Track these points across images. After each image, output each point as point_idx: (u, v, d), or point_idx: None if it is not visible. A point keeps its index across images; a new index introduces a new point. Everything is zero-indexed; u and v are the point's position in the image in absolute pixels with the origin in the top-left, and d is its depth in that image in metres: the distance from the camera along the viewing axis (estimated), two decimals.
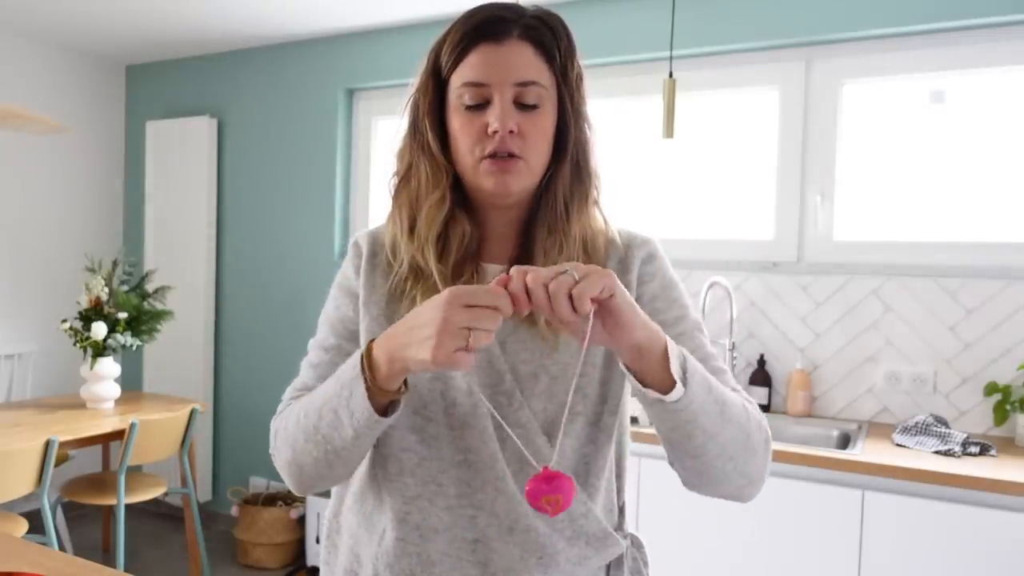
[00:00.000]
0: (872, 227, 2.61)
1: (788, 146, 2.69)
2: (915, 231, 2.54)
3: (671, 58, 2.42)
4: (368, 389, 0.82)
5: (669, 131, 2.32)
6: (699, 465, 0.88)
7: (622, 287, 0.78)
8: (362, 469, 1.02)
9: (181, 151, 3.89)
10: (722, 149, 2.83)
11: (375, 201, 3.57)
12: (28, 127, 2.92)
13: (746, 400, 0.94)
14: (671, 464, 0.94)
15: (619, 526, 1.03)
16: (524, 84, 0.91)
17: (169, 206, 3.95)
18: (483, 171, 0.92)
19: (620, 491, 1.05)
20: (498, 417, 0.88)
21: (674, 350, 0.81)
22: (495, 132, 0.90)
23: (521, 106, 0.91)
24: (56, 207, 3.91)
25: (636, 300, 0.97)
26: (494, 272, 0.99)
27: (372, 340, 0.84)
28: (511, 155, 0.91)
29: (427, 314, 0.77)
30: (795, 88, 2.68)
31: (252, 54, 3.77)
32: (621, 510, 1.05)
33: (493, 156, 0.91)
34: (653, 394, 0.81)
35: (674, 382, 0.80)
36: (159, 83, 4.08)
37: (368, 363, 0.83)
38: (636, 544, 1.06)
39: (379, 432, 0.87)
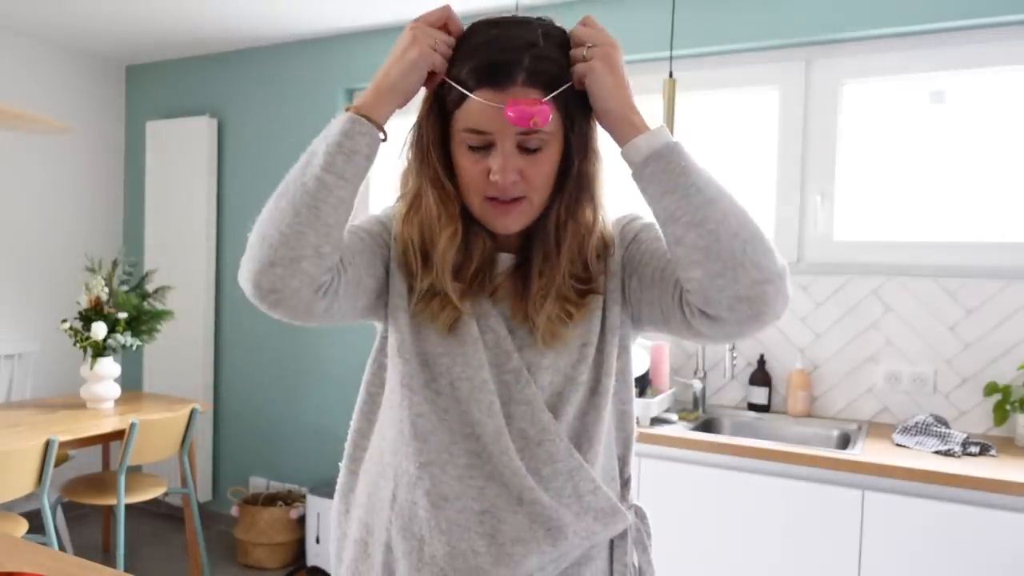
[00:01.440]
0: (872, 227, 2.61)
1: (788, 146, 2.69)
2: (915, 231, 2.54)
3: (671, 58, 2.42)
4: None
5: (669, 131, 2.31)
6: (704, 241, 0.84)
7: (614, 66, 0.91)
8: (378, 440, 1.03)
9: (181, 151, 3.89)
10: (722, 149, 2.83)
11: (375, 201, 3.57)
12: (28, 127, 2.92)
13: None
14: (679, 270, 0.89)
15: (623, 497, 1.05)
16: (528, 133, 0.91)
17: (169, 206, 3.95)
18: (487, 212, 0.95)
19: (626, 463, 1.06)
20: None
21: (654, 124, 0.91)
22: (497, 180, 0.91)
23: (525, 149, 0.92)
24: (56, 207, 3.91)
25: (624, 251, 1.02)
26: (505, 261, 1.02)
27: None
28: (514, 199, 0.93)
29: (398, 44, 0.93)
30: (795, 88, 2.68)
31: (252, 54, 3.77)
32: (626, 483, 1.06)
33: (495, 199, 0.94)
34: (639, 140, 0.90)
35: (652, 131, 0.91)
36: (159, 83, 4.08)
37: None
38: (640, 515, 1.08)
39: (358, 163, 0.90)
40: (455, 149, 0.95)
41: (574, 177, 0.96)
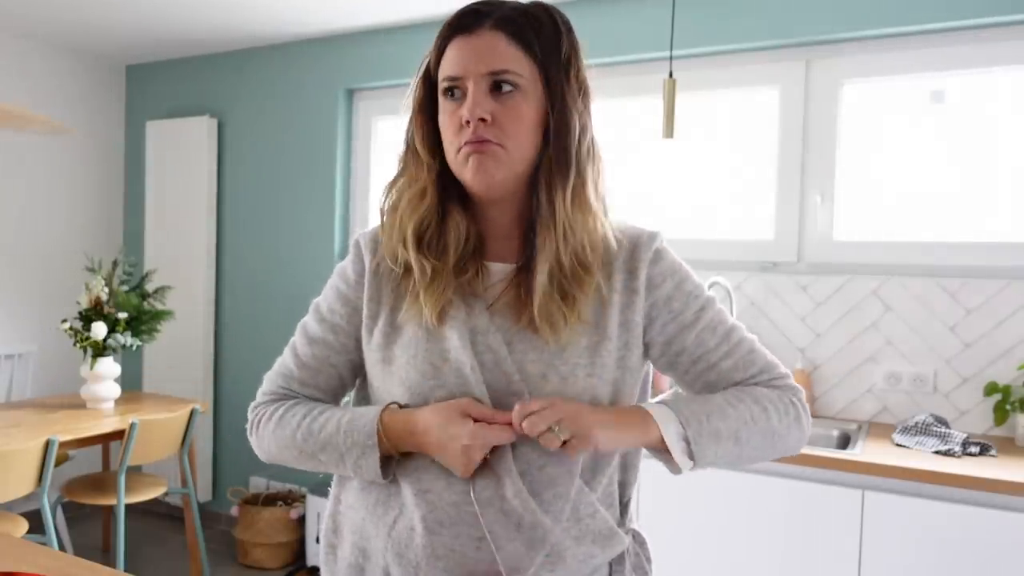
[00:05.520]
0: (872, 227, 2.60)
1: (788, 146, 2.69)
2: (915, 231, 2.54)
3: (671, 58, 2.42)
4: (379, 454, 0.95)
5: (669, 131, 2.32)
6: (734, 467, 1.03)
7: (596, 437, 0.89)
8: None
9: (181, 151, 3.89)
10: (722, 149, 2.83)
11: (375, 201, 3.57)
12: (28, 127, 2.92)
13: (773, 383, 1.01)
14: None
15: (622, 522, 1.04)
16: (496, 73, 0.92)
17: (169, 206, 3.95)
18: (461, 160, 0.94)
19: (627, 486, 1.05)
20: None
21: (672, 437, 0.93)
22: (468, 122, 0.91)
23: (497, 94, 0.92)
24: (56, 207, 3.91)
25: (651, 305, 0.99)
26: (498, 271, 0.99)
27: (386, 412, 0.95)
28: (485, 140, 0.92)
29: (455, 429, 0.90)
30: (795, 88, 2.68)
31: (252, 54, 3.77)
32: (625, 506, 1.05)
33: (469, 143, 0.93)
34: (672, 468, 0.96)
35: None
36: (159, 83, 4.08)
37: (384, 429, 0.95)
38: (639, 540, 1.06)
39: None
40: (440, 113, 0.96)
41: (556, 134, 0.93)
